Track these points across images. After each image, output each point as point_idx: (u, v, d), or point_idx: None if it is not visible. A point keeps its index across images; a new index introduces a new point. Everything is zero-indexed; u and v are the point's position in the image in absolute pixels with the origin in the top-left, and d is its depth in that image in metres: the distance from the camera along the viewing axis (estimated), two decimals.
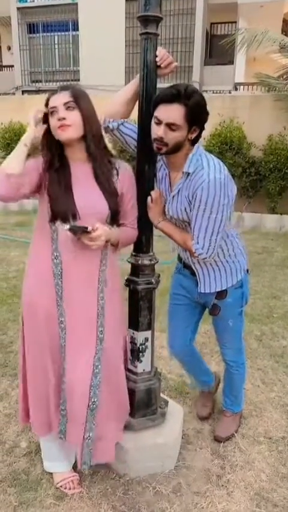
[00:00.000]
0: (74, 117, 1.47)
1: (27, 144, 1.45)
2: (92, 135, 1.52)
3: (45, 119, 1.52)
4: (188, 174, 1.63)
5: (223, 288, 1.88)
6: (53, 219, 1.53)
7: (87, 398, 1.61)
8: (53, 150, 1.55)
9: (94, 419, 1.64)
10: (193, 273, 1.89)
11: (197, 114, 1.56)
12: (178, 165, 1.68)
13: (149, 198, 1.74)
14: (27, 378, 1.71)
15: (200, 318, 2.11)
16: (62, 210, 1.51)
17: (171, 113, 1.53)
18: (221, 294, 1.90)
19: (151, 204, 1.74)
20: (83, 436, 1.64)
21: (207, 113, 1.60)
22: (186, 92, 1.52)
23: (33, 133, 1.47)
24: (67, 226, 1.46)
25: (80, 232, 1.47)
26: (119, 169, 1.63)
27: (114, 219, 1.62)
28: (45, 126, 1.50)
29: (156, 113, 1.57)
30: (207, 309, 2.06)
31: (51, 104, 1.49)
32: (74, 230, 1.47)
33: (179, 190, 1.69)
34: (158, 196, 1.74)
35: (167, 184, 1.75)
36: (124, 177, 1.64)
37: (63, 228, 1.50)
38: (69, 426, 1.66)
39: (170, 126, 1.54)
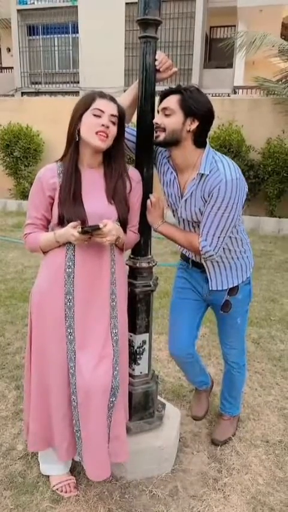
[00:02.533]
0: (113, 131, 1.55)
1: (60, 242, 1.57)
2: (117, 150, 1.62)
3: (80, 116, 1.55)
4: (203, 175, 1.63)
5: (234, 285, 1.88)
6: (61, 223, 1.56)
7: (107, 399, 1.59)
8: (74, 155, 1.59)
9: (112, 418, 1.63)
10: (203, 271, 1.88)
11: (192, 104, 1.58)
12: (185, 166, 1.69)
13: (148, 202, 1.74)
14: (31, 387, 1.69)
15: (203, 317, 2.08)
16: (72, 217, 1.53)
17: (167, 100, 1.62)
18: (232, 290, 1.89)
19: (151, 207, 1.74)
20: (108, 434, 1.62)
21: (208, 108, 1.61)
22: (185, 86, 1.61)
23: (71, 239, 1.51)
24: (79, 229, 1.48)
25: (92, 231, 1.49)
26: (129, 175, 1.66)
27: (123, 226, 1.64)
28: (84, 237, 1.50)
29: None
30: (206, 312, 2.05)
31: (98, 106, 1.51)
32: (86, 231, 1.48)
33: (192, 192, 1.68)
34: (157, 200, 1.74)
35: (176, 188, 1.76)
36: (133, 183, 1.67)
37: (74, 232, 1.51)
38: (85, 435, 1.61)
39: (165, 111, 1.61)
